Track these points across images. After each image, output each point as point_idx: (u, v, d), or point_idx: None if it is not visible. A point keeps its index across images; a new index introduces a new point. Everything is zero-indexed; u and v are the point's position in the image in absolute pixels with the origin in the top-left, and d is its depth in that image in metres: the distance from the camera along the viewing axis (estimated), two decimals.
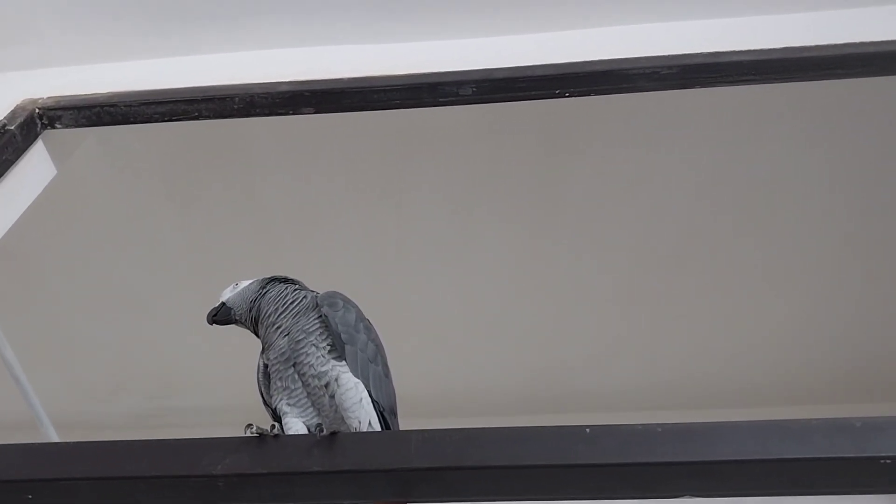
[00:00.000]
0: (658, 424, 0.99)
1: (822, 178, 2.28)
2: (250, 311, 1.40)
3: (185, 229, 2.43)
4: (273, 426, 1.12)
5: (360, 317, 1.37)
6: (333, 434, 1.07)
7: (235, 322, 1.45)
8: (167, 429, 2.80)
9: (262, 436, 1.08)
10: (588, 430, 1.00)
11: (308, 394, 1.32)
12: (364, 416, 1.29)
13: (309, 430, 1.29)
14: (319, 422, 1.31)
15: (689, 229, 2.41)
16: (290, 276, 1.49)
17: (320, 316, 1.33)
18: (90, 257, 2.49)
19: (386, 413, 1.35)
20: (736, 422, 1.00)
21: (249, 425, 1.09)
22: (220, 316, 1.44)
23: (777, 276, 2.52)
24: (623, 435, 0.99)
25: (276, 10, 1.80)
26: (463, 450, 0.99)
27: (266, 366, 1.38)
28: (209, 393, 2.74)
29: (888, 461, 0.94)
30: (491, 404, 2.85)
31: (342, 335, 1.30)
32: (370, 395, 1.31)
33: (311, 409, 1.32)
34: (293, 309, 1.36)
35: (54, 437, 2.33)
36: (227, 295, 1.45)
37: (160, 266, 2.51)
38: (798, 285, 2.54)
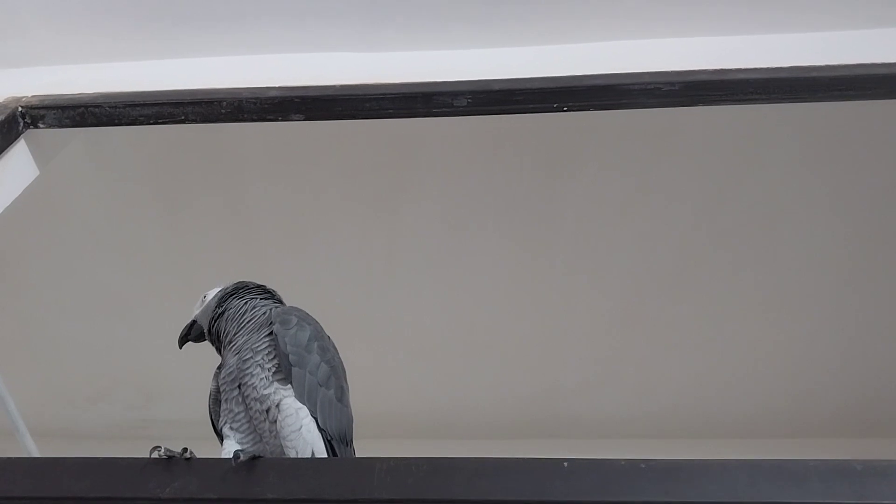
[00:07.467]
0: (642, 460, 0.92)
1: (824, 204, 2.22)
2: (210, 332, 1.33)
3: (170, 235, 2.37)
4: (185, 449, 1.02)
5: (316, 336, 1.27)
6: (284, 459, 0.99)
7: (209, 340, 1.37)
8: (148, 440, 2.73)
9: (170, 458, 1.00)
10: (566, 464, 0.93)
11: (250, 418, 1.22)
12: (303, 446, 1.19)
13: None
14: (259, 447, 1.22)
15: (687, 253, 2.35)
16: (258, 283, 1.40)
17: (270, 333, 1.25)
18: (72, 261, 2.44)
19: (335, 441, 1.24)
20: (726, 460, 0.93)
21: (157, 447, 1.01)
22: (193, 335, 1.38)
23: (775, 304, 2.46)
24: (604, 471, 0.92)
25: (268, 14, 1.76)
26: (430, 482, 0.92)
27: (218, 390, 1.30)
28: (191, 405, 2.67)
29: None
30: (478, 425, 2.78)
31: (290, 356, 1.21)
32: (317, 423, 1.21)
33: (253, 434, 1.23)
34: (248, 325, 1.28)
35: (31, 445, 2.27)
36: (196, 311, 1.37)
37: (144, 272, 2.45)
38: (797, 314, 2.47)
